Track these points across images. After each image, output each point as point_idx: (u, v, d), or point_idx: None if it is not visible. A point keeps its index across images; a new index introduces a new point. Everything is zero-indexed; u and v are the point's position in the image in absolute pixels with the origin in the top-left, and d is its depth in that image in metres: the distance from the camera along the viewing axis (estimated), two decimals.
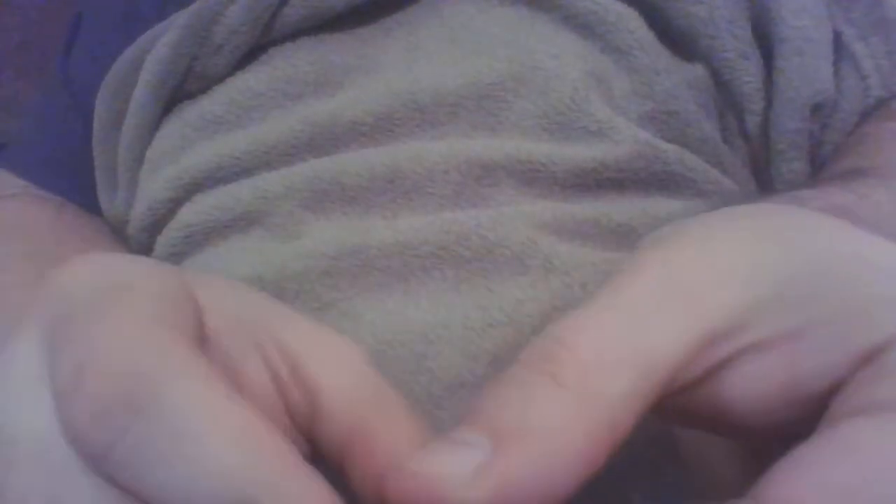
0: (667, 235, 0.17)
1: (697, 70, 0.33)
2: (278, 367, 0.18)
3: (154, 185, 0.35)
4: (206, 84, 0.35)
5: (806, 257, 0.16)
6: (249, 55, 0.35)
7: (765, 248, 0.16)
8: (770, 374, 0.16)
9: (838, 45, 0.33)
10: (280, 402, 0.18)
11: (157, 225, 0.35)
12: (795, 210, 0.19)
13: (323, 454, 0.18)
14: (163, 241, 0.35)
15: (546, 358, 0.15)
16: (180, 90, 0.36)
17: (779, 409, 0.16)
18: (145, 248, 0.36)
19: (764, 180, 0.34)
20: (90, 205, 0.41)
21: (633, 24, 0.32)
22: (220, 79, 0.35)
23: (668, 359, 0.15)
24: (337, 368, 0.18)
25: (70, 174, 0.42)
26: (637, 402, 0.15)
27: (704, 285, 0.16)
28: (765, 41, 0.33)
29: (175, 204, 0.34)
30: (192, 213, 0.33)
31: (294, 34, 0.35)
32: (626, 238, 0.30)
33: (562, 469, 0.14)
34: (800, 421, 0.15)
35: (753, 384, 0.16)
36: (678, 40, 0.33)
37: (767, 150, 0.33)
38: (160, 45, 0.35)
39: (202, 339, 0.17)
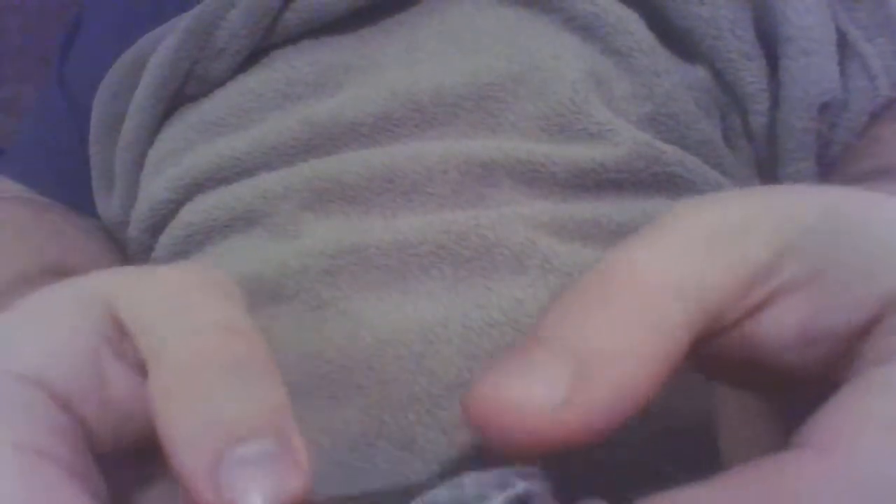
0: (691, 201, 0.18)
1: (699, 71, 0.33)
2: (128, 349, 0.16)
3: (156, 187, 0.35)
4: (208, 87, 0.36)
5: (827, 207, 0.17)
6: (250, 57, 0.35)
7: (787, 201, 0.17)
8: (795, 313, 0.16)
9: (843, 45, 0.33)
10: None
11: (157, 226, 0.35)
12: (810, 185, 0.19)
13: None
14: (164, 241, 0.35)
15: (609, 282, 0.15)
16: (181, 93, 0.36)
17: (804, 348, 0.16)
18: (146, 249, 0.36)
19: (769, 181, 0.34)
20: (88, 207, 0.41)
21: (633, 27, 0.32)
22: (221, 82, 0.35)
23: (719, 293, 0.16)
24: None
25: (67, 176, 0.42)
26: (691, 331, 0.15)
27: (739, 233, 0.16)
28: (767, 41, 0.33)
29: (176, 205, 0.34)
30: (193, 213, 0.33)
31: (295, 37, 0.35)
32: (625, 238, 0.30)
33: (635, 393, 0.14)
34: (825, 364, 0.15)
35: (781, 324, 0.16)
36: (680, 41, 0.33)
37: (774, 149, 0.33)
38: (162, 48, 0.35)
39: (67, 411, 0.16)
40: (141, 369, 0.16)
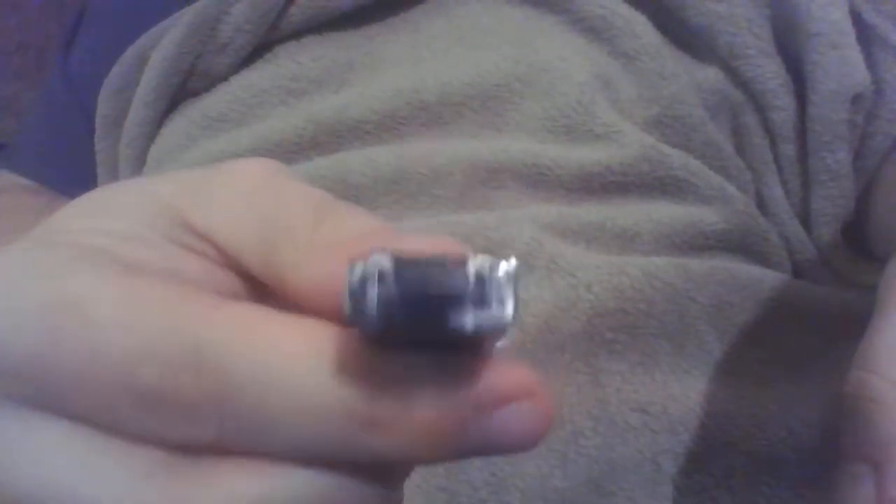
0: None
1: (709, 71, 0.33)
2: (201, 248, 0.15)
3: None
4: (211, 82, 0.35)
5: None
6: (254, 53, 0.35)
7: None
8: None
9: (871, 37, 0.34)
10: (229, 275, 0.15)
11: None
12: None
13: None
14: None
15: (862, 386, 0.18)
16: (184, 88, 0.35)
17: None
18: None
19: (794, 174, 0.34)
20: None
21: (641, 29, 0.32)
22: (225, 77, 0.35)
23: None
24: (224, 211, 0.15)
25: (71, 171, 0.42)
26: None
27: None
28: (785, 38, 0.33)
29: None
30: None
31: (299, 32, 0.35)
32: (630, 242, 0.30)
33: None
34: None
35: None
36: (692, 41, 0.33)
37: (804, 143, 0.33)
38: (164, 42, 0.35)
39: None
40: (218, 265, 0.15)
